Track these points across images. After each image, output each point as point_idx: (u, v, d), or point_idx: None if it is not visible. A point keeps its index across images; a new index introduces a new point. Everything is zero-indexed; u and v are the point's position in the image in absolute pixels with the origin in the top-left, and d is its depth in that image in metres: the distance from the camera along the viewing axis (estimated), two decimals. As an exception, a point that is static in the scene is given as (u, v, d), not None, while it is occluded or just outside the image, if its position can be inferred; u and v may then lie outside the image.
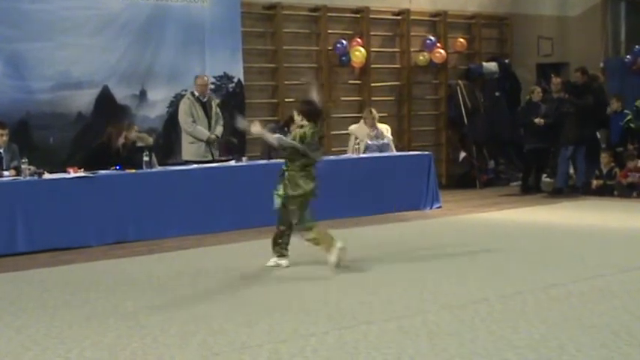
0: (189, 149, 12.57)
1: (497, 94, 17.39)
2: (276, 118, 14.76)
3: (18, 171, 10.58)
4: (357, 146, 13.52)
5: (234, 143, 13.71)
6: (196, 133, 12.47)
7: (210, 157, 12.43)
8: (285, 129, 13.11)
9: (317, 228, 8.60)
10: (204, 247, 10.27)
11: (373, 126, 13.96)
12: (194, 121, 12.50)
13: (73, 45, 12.73)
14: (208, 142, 12.48)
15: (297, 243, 8.84)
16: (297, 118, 8.78)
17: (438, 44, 16.86)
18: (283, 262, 8.67)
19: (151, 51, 13.46)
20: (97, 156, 11.44)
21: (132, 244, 10.54)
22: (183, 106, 12.62)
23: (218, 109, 12.80)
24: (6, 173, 10.59)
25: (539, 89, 15.88)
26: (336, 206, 12.28)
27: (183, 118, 12.60)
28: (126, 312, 6.92)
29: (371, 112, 14.02)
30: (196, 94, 12.60)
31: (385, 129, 14.18)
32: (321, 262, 8.86)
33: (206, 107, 12.63)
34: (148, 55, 13.43)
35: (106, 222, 10.66)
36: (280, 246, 8.73)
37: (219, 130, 12.68)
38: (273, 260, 8.69)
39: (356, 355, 5.48)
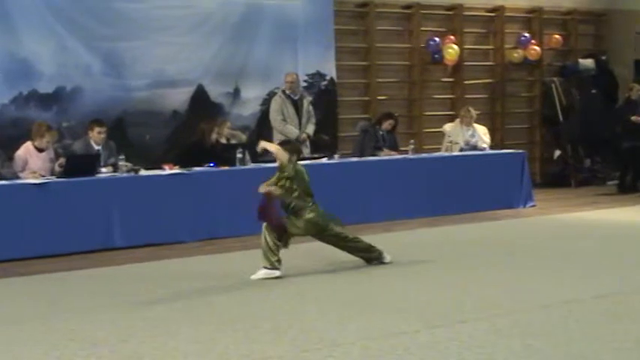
0: None
1: (593, 91, 17.06)
2: (367, 115, 14.77)
3: (115, 168, 10.77)
4: (448, 144, 13.41)
5: (325, 140, 13.74)
6: (286, 131, 12.53)
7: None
8: (377, 127, 13.15)
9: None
10: (295, 244, 10.26)
11: (469, 125, 13.77)
12: (284, 119, 12.57)
13: (167, 44, 12.93)
14: (297, 141, 12.53)
15: (389, 243, 8.83)
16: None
17: (533, 41, 16.64)
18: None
19: (245, 49, 13.58)
20: (192, 153, 11.57)
21: (224, 240, 10.65)
22: (274, 105, 12.70)
23: (310, 107, 12.84)
24: (103, 170, 10.78)
25: (638, 87, 15.54)
26: (428, 204, 12.28)
27: (273, 116, 12.69)
28: (219, 307, 7.00)
29: (469, 111, 13.77)
30: (287, 92, 12.67)
31: (483, 131, 13.91)
32: (414, 261, 8.85)
33: (297, 105, 12.69)
34: (241, 53, 13.56)
35: (199, 218, 10.80)
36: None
37: (310, 128, 12.73)
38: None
39: (447, 355, 5.44)
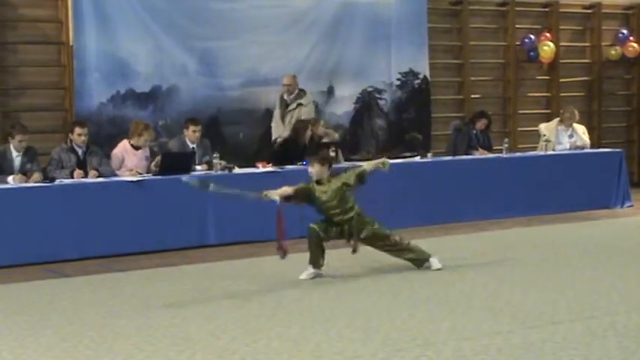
0: None
1: (693, 88, 16.68)
2: (461, 114, 14.67)
3: (210, 166, 10.91)
4: (543, 143, 13.21)
5: (418, 139, 13.68)
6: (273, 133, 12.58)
7: None
8: (470, 126, 13.03)
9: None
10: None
11: (570, 126, 13.49)
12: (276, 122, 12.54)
13: (261, 43, 13.04)
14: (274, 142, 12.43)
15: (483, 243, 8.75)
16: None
17: (631, 38, 16.31)
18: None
19: (338, 48, 13.63)
20: (284, 151, 11.64)
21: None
22: None
23: (304, 110, 12.37)
24: (198, 168, 10.94)
25: None
26: (523, 204, 12.16)
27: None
28: (311, 305, 7.02)
29: (574, 113, 13.43)
30: (284, 95, 12.48)
31: (582, 130, 13.63)
32: (508, 261, 8.76)
33: (287, 107, 12.49)
34: (335, 51, 13.60)
35: (293, 217, 10.82)
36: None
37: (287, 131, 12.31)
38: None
39: (542, 356, 5.37)
